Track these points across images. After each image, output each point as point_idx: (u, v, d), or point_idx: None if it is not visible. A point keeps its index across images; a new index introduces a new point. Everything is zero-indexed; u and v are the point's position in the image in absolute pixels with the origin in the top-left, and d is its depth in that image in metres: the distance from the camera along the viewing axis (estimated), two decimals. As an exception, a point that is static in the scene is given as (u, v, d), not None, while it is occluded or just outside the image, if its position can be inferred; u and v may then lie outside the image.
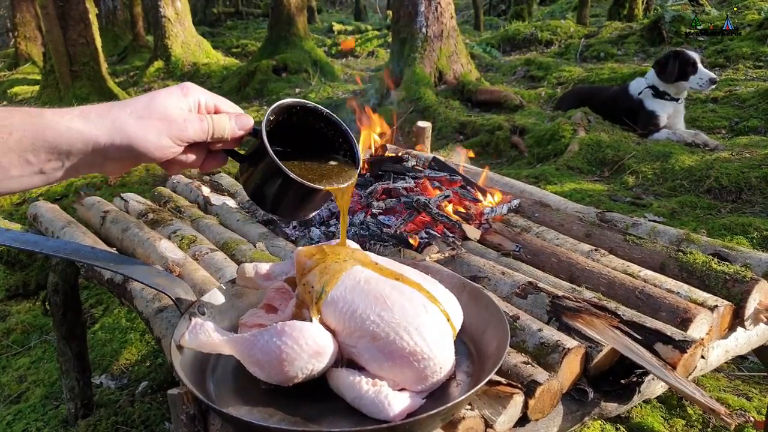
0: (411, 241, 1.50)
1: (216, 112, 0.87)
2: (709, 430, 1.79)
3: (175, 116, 0.81)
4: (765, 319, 1.24)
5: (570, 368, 1.01)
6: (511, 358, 1.01)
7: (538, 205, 1.74)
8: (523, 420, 0.96)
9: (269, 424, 0.84)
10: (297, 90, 7.44)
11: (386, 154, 2.08)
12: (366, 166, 1.89)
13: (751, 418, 1.79)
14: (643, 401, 1.58)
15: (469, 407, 0.92)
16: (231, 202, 1.96)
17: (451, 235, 1.56)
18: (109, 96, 6.79)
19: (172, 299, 1.02)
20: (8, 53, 12.74)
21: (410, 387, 0.87)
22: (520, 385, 0.95)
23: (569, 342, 1.02)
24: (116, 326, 2.61)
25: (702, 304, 1.18)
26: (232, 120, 0.87)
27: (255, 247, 1.58)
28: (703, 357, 1.14)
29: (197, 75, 8.87)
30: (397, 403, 0.83)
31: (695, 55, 4.28)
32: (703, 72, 4.24)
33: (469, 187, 1.81)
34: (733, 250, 1.41)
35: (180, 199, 2.03)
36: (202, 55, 9.49)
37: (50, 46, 6.99)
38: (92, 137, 0.76)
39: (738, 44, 6.67)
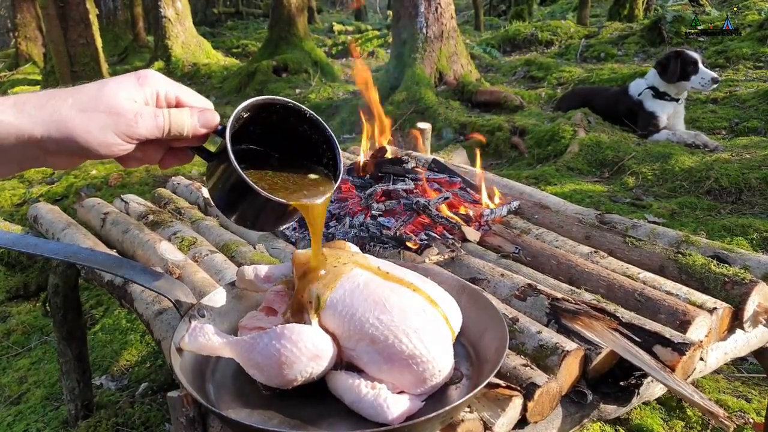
0: (410, 243, 1.50)
1: (177, 105, 0.78)
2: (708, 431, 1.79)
3: (125, 110, 0.71)
4: (764, 321, 1.24)
5: (569, 370, 1.01)
6: (510, 361, 1.01)
7: (538, 207, 1.74)
8: (522, 422, 0.96)
9: (268, 427, 0.85)
10: (297, 90, 7.44)
11: (386, 155, 2.08)
12: (366, 166, 1.89)
13: (751, 420, 1.79)
14: (643, 403, 1.58)
15: (468, 410, 0.92)
16: (231, 204, 1.95)
17: (450, 236, 1.56)
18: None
19: (171, 302, 1.02)
20: (9, 53, 12.75)
21: (409, 390, 0.87)
22: (519, 388, 0.95)
23: (568, 344, 1.03)
24: (116, 327, 2.62)
25: (701, 307, 1.18)
26: (194, 116, 0.78)
27: (255, 248, 1.58)
28: (702, 359, 1.14)
29: (197, 75, 8.88)
30: (396, 406, 0.83)
31: (696, 55, 4.28)
32: (705, 72, 4.24)
33: (468, 189, 1.81)
34: (732, 252, 1.41)
35: (180, 200, 2.04)
36: (203, 56, 9.49)
37: (51, 47, 7.00)
38: (26, 131, 0.68)
39: (738, 45, 6.66)
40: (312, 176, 0.90)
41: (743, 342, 1.30)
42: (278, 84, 7.65)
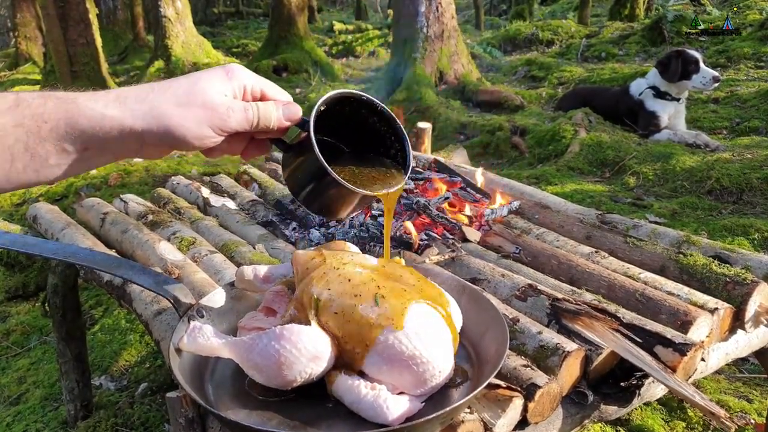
0: (410, 243, 1.49)
1: (262, 99, 0.81)
2: (709, 432, 1.79)
3: (218, 104, 0.75)
4: (765, 322, 1.24)
5: (570, 371, 1.01)
6: (510, 361, 1.01)
7: (538, 207, 1.74)
8: (522, 423, 0.96)
9: (267, 428, 0.84)
10: (297, 90, 7.43)
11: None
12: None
13: (752, 421, 1.78)
14: (644, 404, 1.58)
15: (468, 411, 0.92)
16: (230, 204, 1.95)
17: (450, 236, 1.56)
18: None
19: (170, 302, 1.02)
20: (8, 53, 12.74)
21: (409, 391, 0.87)
22: (519, 389, 0.94)
23: (569, 345, 1.02)
24: (116, 327, 2.61)
25: (702, 307, 1.18)
26: (279, 109, 0.81)
27: (254, 248, 1.58)
28: (703, 360, 1.13)
29: (197, 75, 8.86)
30: (396, 406, 0.82)
31: (697, 55, 4.27)
32: (706, 71, 4.23)
33: (469, 189, 1.80)
34: (733, 252, 1.40)
35: (179, 200, 2.03)
36: (203, 55, 9.48)
37: (50, 46, 6.99)
38: (128, 125, 0.71)
39: (739, 44, 6.66)
40: (382, 168, 0.95)
41: (744, 342, 1.30)
42: (278, 83, 7.58)
